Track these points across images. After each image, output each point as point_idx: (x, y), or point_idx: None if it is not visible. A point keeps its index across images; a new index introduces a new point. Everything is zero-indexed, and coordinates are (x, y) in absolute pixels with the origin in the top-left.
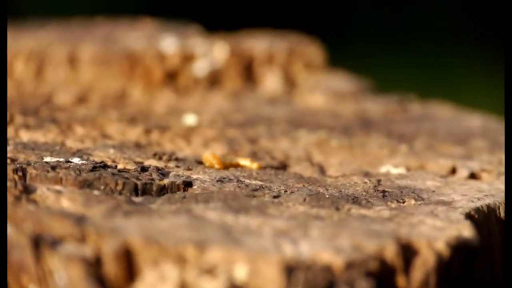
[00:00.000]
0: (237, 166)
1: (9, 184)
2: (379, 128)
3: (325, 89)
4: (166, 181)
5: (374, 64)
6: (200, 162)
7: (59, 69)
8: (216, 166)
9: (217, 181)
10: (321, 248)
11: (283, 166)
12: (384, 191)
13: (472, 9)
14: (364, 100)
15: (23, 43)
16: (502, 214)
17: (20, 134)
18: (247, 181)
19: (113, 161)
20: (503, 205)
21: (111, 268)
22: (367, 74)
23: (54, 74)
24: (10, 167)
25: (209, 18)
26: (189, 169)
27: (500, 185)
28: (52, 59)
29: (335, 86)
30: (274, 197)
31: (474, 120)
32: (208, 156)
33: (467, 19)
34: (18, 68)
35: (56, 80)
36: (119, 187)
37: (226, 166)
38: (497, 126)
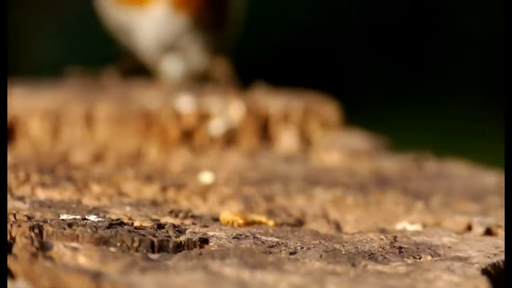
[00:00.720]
0: (253, 223)
1: (26, 241)
2: (395, 185)
3: (341, 147)
4: (182, 238)
5: (388, 125)
6: (216, 219)
7: (75, 128)
8: (240, 221)
9: (233, 238)
10: None
11: (299, 223)
12: (400, 247)
13: (488, 73)
14: (380, 158)
15: (38, 102)
16: None
17: (36, 193)
18: (263, 238)
19: (130, 219)
20: None
21: None
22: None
23: (70, 133)
24: (26, 225)
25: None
26: (205, 226)
27: None
28: (68, 118)
29: (351, 144)
30: (291, 253)
31: (490, 178)
32: (227, 215)
33: (485, 83)
34: (34, 127)
35: (72, 139)
36: (135, 244)
37: (243, 224)
38: None
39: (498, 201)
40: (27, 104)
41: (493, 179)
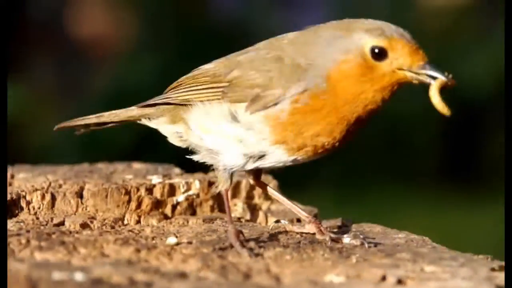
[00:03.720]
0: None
1: None
2: (323, 245)
3: (279, 215)
4: None
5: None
6: (180, 275)
7: (69, 201)
8: None
9: None
10: None
11: (247, 277)
12: None
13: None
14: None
15: (39, 181)
16: None
17: (34, 255)
18: None
19: (109, 276)
20: None
21: None
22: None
23: (64, 206)
24: (24, 282)
25: (189, 160)
26: (170, 281)
27: None
28: (63, 194)
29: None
30: None
31: (400, 236)
32: None
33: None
34: (34, 202)
35: (66, 210)
36: None
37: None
38: (419, 240)
39: (407, 256)
40: (30, 183)
41: (402, 237)
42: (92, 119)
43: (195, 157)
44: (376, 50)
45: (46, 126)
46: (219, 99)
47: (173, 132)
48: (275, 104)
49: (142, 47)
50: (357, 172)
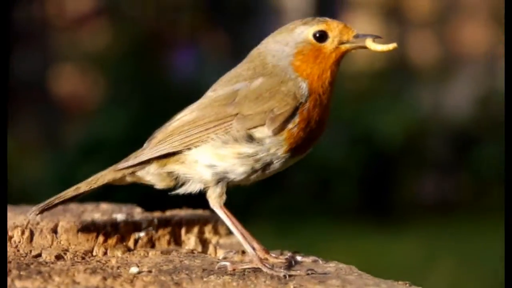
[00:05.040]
0: None
1: None
2: (265, 273)
3: (227, 247)
4: None
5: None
6: None
7: (45, 236)
8: None
9: None
10: None
11: None
12: None
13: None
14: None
15: (20, 219)
16: None
17: (15, 283)
18: None
19: None
20: None
21: None
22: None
23: (41, 240)
24: None
25: (149, 201)
26: None
27: None
28: (40, 230)
29: (234, 245)
30: None
31: (330, 265)
32: None
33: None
34: (16, 237)
35: (42, 244)
36: None
37: None
38: (346, 269)
39: (337, 283)
40: (12, 221)
41: (332, 266)
42: (69, 193)
43: (180, 190)
44: (318, 35)
45: (27, 172)
46: (228, 131)
47: (165, 175)
48: (289, 118)
49: (111, 104)
50: (293, 210)
